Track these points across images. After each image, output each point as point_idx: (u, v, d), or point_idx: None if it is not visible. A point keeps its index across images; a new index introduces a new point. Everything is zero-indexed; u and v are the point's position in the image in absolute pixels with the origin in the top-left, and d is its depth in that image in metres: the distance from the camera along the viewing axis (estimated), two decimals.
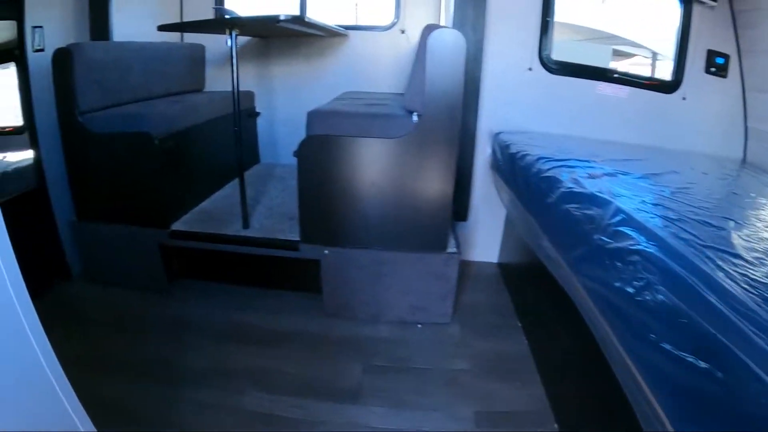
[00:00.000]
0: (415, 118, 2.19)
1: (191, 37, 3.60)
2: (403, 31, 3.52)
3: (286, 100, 3.73)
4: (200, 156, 2.88)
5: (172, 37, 3.64)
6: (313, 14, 3.21)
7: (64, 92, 2.57)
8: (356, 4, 3.92)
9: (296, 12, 3.54)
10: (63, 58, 2.53)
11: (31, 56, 2.66)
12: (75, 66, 2.52)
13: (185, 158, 2.71)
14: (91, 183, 2.72)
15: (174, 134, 2.60)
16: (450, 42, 2.08)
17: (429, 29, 2.18)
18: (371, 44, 3.59)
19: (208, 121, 2.91)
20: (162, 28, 2.32)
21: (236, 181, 2.74)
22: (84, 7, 3.00)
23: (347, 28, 3.49)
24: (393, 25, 3.58)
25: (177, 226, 2.63)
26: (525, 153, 2.24)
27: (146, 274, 2.68)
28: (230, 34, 2.28)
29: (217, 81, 3.57)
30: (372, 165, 2.28)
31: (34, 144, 2.73)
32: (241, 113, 2.53)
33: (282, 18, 2.07)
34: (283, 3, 3.74)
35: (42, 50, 2.72)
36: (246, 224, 2.58)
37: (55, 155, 2.73)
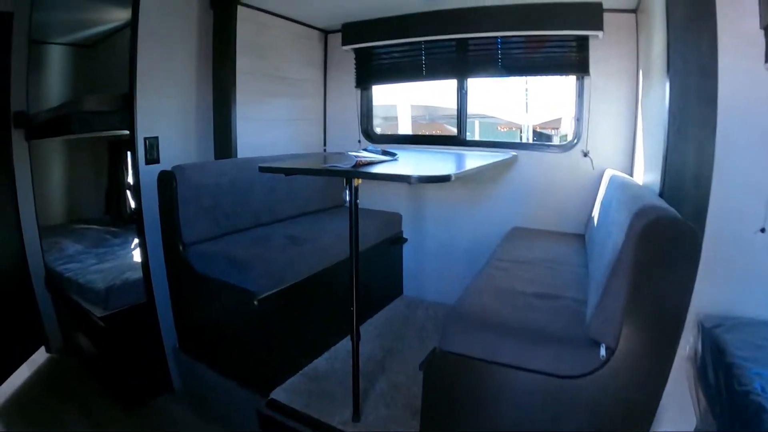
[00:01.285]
0: (602, 352, 1.33)
1: (335, 143, 3.28)
2: (585, 154, 2.68)
3: (439, 227, 3.10)
4: (317, 308, 2.37)
5: (312, 143, 3.30)
6: (475, 108, 2.50)
7: (168, 220, 2.22)
8: (526, 103, 3.07)
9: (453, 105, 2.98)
10: (166, 182, 2.16)
11: (143, 169, 2.36)
12: (179, 192, 2.14)
13: (295, 318, 2.20)
14: (191, 319, 2.36)
15: (282, 292, 2.07)
16: (675, 238, 1.20)
17: (626, 193, 1.49)
18: (544, 167, 2.78)
19: (335, 265, 2.36)
20: (264, 169, 1.76)
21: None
22: (208, 116, 2.66)
23: (515, 146, 2.81)
24: (573, 145, 2.72)
25: (278, 394, 2.11)
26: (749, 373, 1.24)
27: None
28: (348, 186, 1.63)
29: (368, 197, 3.04)
30: (530, 411, 1.46)
31: (144, 257, 2.44)
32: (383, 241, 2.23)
33: (413, 180, 1.36)
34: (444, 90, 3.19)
35: (156, 161, 2.40)
36: (357, 415, 1.95)
37: (164, 271, 2.42)
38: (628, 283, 1.25)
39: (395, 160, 1.78)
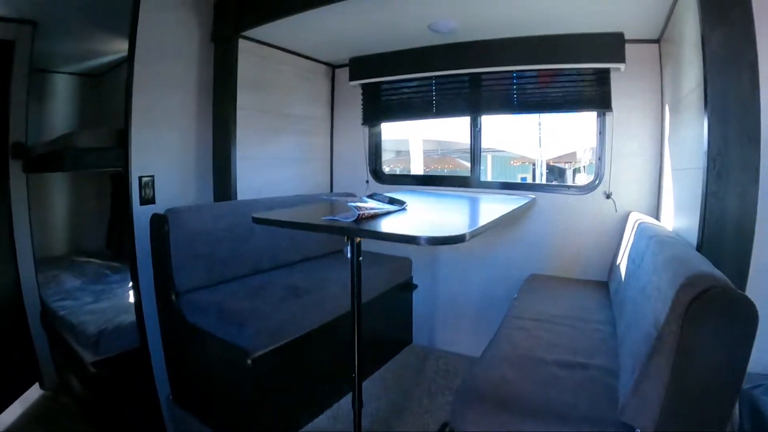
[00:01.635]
0: None
1: (342, 183, 3.11)
2: (608, 196, 2.50)
3: (450, 274, 2.93)
4: (318, 364, 2.16)
5: (318, 184, 3.18)
6: (488, 142, 2.36)
7: (160, 266, 2.08)
8: (539, 138, 2.95)
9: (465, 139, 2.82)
10: (159, 226, 2.04)
11: (137, 209, 2.24)
12: (172, 238, 2.01)
13: (293, 375, 2.02)
14: (183, 371, 2.19)
15: (279, 349, 1.89)
16: (729, 313, 1.02)
17: (663, 249, 1.37)
18: (564, 210, 2.60)
19: (338, 317, 2.16)
20: (257, 221, 1.60)
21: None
22: (208, 155, 2.55)
23: (532, 188, 2.68)
24: (594, 186, 2.55)
25: None
26: None
27: None
28: (350, 242, 1.47)
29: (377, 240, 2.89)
30: None
31: (137, 301, 2.30)
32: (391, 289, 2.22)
33: (422, 241, 1.20)
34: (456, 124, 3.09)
35: (151, 202, 2.29)
36: None
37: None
38: (671, 364, 1.06)
39: (403, 210, 1.62)
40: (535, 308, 1.93)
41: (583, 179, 3.03)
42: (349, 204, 1.44)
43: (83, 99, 3.89)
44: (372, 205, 1.53)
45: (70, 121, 3.80)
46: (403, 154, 3.77)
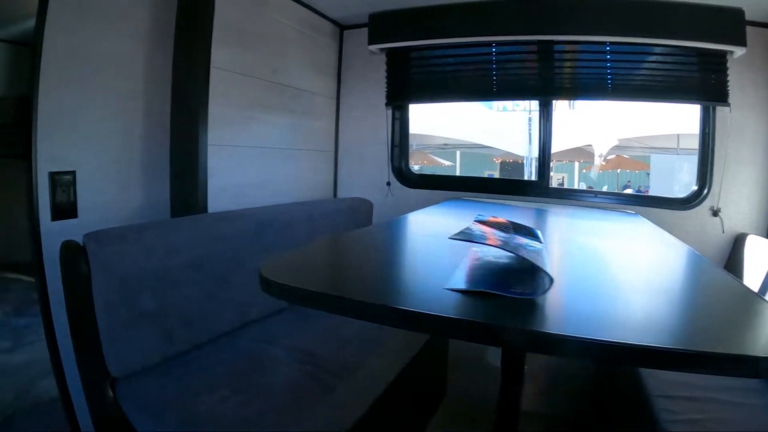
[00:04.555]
0: None
1: (351, 185, 2.39)
2: (716, 213, 1.97)
3: None
4: None
5: (319, 184, 2.38)
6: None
7: (81, 332, 1.21)
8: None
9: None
10: (73, 264, 1.16)
11: (46, 227, 1.35)
12: (95, 285, 1.15)
13: None
14: None
15: None
16: None
17: None
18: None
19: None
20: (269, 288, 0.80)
21: None
22: (164, 140, 1.64)
23: (629, 201, 2.12)
24: (698, 199, 2.00)
25: None
26: None
27: None
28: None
29: None
30: None
31: (58, 373, 1.42)
32: None
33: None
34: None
35: (70, 214, 1.40)
36: None
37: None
38: None
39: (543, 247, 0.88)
40: None
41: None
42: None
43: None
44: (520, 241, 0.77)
45: None
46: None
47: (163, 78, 1.60)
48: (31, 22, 2.32)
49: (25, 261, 2.85)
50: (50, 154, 1.32)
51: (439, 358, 2.07)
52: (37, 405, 1.62)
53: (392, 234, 1.43)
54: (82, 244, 1.15)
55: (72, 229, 1.34)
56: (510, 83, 2.18)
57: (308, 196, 2.23)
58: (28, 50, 2.61)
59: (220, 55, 1.64)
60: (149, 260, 1.23)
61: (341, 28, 2.40)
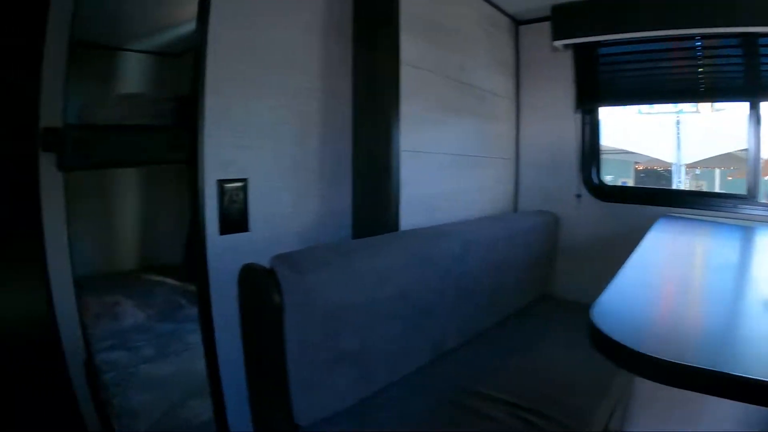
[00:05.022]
0: None
1: (532, 197, 2.14)
2: None
3: None
4: None
5: (500, 197, 2.11)
6: None
7: (263, 372, 0.99)
8: None
9: None
10: (260, 293, 0.95)
11: (213, 241, 1.15)
12: (288, 323, 0.90)
13: None
14: None
15: None
16: None
17: None
18: None
19: None
20: None
21: None
22: (344, 146, 1.42)
23: None
24: None
25: None
26: None
27: None
28: None
29: None
30: None
31: (219, 410, 1.23)
32: None
33: None
34: None
35: (241, 228, 1.20)
36: None
37: None
38: None
39: None
40: None
41: None
42: None
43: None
44: None
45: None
46: None
47: (341, 74, 1.38)
48: (170, 33, 2.26)
49: (170, 264, 2.88)
50: (218, 158, 1.13)
51: None
52: (189, 429, 1.45)
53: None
54: (269, 268, 0.92)
55: (243, 245, 1.14)
56: (718, 82, 1.80)
57: (488, 209, 1.94)
58: (171, 58, 2.58)
59: (408, 49, 1.39)
60: (359, 291, 0.98)
61: (517, 23, 2.09)
